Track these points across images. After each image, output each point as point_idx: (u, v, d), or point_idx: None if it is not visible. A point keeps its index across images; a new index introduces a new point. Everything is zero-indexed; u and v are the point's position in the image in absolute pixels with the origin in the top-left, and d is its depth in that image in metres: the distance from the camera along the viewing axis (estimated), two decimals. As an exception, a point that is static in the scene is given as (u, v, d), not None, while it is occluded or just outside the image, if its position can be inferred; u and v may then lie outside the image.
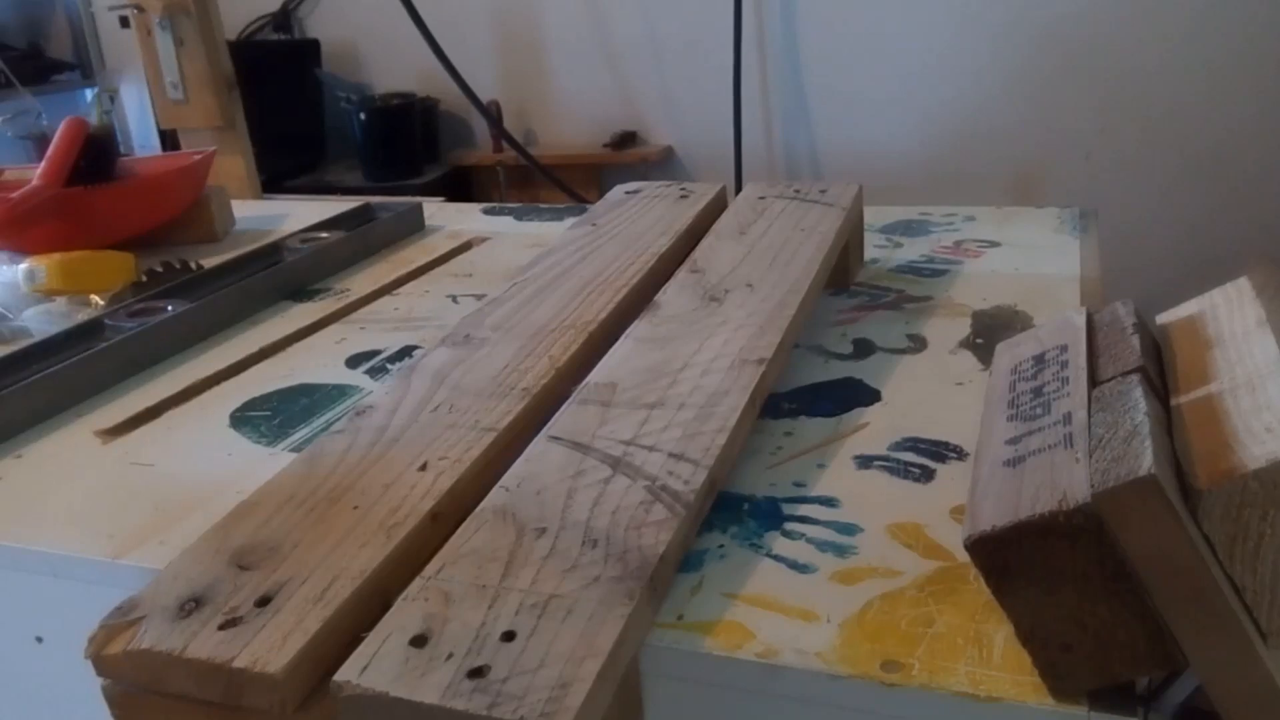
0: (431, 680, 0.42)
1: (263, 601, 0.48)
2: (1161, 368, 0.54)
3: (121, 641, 0.47)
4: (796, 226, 0.90)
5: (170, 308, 0.95)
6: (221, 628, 0.47)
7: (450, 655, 0.44)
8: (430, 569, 0.50)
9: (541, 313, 0.79)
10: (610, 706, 0.44)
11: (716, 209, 1.02)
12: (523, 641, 0.44)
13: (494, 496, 0.56)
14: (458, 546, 0.51)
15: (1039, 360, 0.58)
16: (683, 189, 1.08)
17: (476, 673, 0.43)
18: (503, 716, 0.40)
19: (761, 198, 1.00)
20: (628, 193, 1.09)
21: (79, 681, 0.54)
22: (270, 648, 0.45)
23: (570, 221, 1.10)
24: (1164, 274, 1.75)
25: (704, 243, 0.90)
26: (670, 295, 0.79)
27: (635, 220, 0.99)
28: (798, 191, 1.00)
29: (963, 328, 0.85)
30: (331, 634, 0.47)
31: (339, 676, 0.43)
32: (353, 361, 0.88)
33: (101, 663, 0.47)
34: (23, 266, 1.07)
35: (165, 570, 0.52)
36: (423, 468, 0.59)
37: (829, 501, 0.61)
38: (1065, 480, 0.44)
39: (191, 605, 0.49)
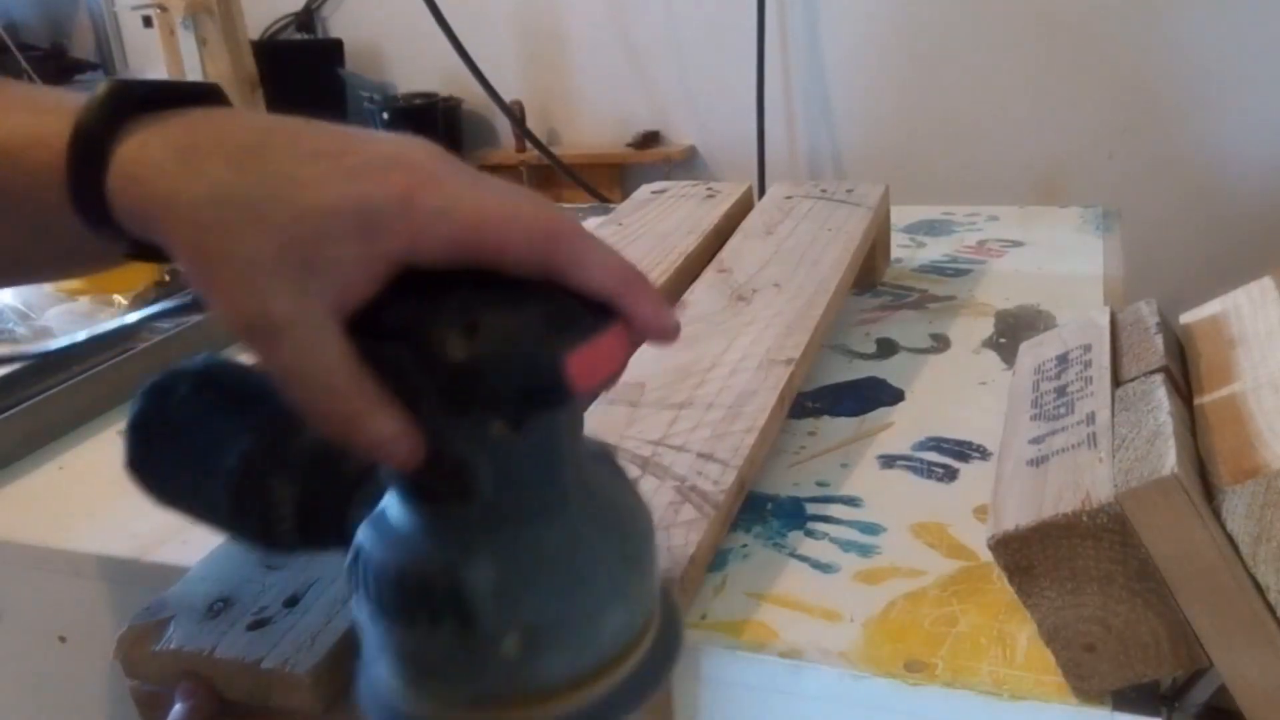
0: (458, 679, 0.43)
1: (291, 602, 0.49)
2: (1185, 367, 0.54)
3: (150, 641, 0.47)
4: (824, 226, 0.90)
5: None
6: (250, 628, 0.47)
7: (476, 654, 0.44)
8: (456, 568, 0.50)
9: (566, 313, 0.79)
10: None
11: (743, 208, 1.02)
12: (548, 641, 0.45)
13: (519, 496, 0.56)
14: (483, 546, 0.52)
15: (1062, 360, 0.58)
16: (709, 188, 1.08)
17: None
18: (528, 715, 0.41)
19: (788, 197, 1.00)
20: (654, 192, 1.09)
21: (101, 681, 0.55)
22: (299, 648, 0.45)
23: (594, 221, 1.11)
24: (1187, 273, 1.73)
25: (731, 242, 0.90)
26: (698, 295, 0.80)
27: (662, 219, 0.99)
28: (824, 191, 1.00)
29: (986, 327, 0.85)
30: (359, 633, 0.47)
31: (366, 675, 0.44)
32: (378, 362, 0.88)
33: (130, 663, 0.48)
34: (49, 267, 1.07)
35: (193, 570, 0.52)
36: (448, 468, 0.59)
37: (852, 501, 0.62)
38: (1089, 480, 0.44)
39: (220, 605, 0.49)
